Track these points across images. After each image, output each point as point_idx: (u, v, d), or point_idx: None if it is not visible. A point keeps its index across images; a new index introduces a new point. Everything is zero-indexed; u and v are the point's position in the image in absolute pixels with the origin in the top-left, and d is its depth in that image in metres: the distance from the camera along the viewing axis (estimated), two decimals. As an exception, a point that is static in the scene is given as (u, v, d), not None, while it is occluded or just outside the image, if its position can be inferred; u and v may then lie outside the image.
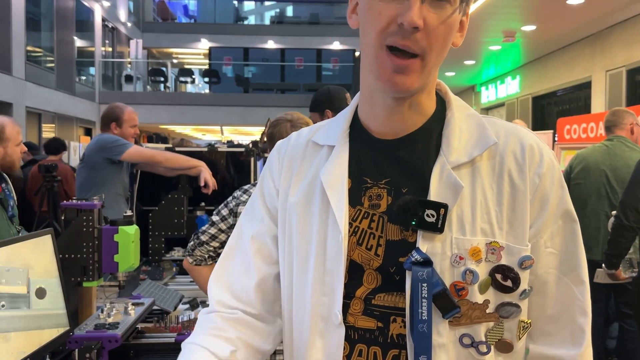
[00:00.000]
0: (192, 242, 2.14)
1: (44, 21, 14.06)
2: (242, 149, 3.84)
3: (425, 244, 0.82)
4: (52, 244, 1.52)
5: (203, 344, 0.90)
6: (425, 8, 0.79)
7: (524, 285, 0.84)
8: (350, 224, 0.87)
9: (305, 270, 0.90)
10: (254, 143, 4.29)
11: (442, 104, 0.92)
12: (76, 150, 14.08)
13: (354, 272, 0.86)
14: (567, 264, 0.87)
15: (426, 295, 0.79)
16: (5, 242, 1.35)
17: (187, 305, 2.42)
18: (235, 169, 3.81)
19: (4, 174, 2.67)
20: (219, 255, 2.10)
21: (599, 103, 8.20)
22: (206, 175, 3.16)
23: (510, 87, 11.57)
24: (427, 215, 0.81)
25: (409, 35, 0.79)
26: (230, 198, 2.15)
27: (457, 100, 0.93)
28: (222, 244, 2.12)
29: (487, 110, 13.33)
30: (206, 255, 2.13)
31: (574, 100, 9.63)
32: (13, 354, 1.28)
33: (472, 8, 7.01)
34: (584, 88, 8.87)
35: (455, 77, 12.19)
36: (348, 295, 0.86)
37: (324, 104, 2.94)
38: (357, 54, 19.17)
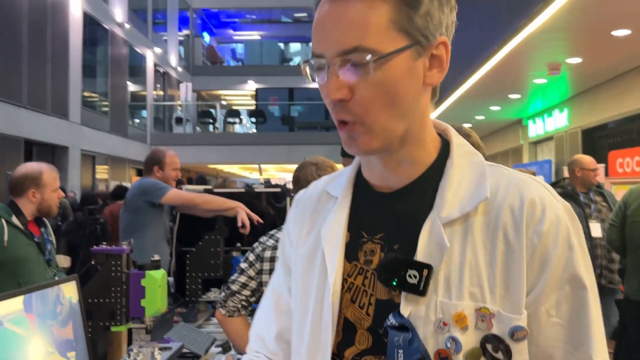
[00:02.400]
0: (223, 293, 2.13)
1: (99, 68, 14.80)
2: (279, 189, 3.86)
3: (408, 307, 0.76)
4: (77, 290, 1.54)
5: None
6: (348, 77, 0.75)
7: (519, 357, 0.75)
8: (346, 280, 0.84)
9: (303, 324, 0.87)
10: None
11: (446, 151, 0.86)
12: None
13: (347, 331, 0.82)
14: (577, 338, 0.76)
15: None
16: (32, 289, 1.38)
17: (220, 349, 2.40)
18: (274, 209, 3.83)
19: (44, 219, 2.76)
20: (251, 304, 2.10)
21: (652, 135, 7.89)
22: (243, 216, 3.20)
23: (559, 120, 11.29)
24: (410, 275, 0.75)
25: (340, 109, 0.77)
26: (257, 243, 2.15)
27: (463, 146, 0.86)
28: (253, 292, 2.11)
29: (536, 144, 13.03)
30: (239, 305, 2.10)
31: (626, 132, 9.29)
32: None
33: (515, 41, 6.94)
34: (636, 120, 8.56)
35: (501, 112, 12.01)
36: (339, 354, 0.82)
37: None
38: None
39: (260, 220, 3.26)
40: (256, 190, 3.89)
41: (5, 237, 2.48)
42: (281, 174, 22.82)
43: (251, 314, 2.07)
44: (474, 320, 0.74)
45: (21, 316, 1.26)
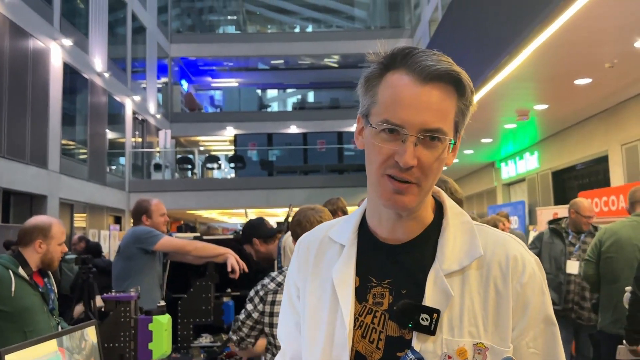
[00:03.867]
0: (235, 337, 2.34)
1: (78, 116, 14.88)
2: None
3: (419, 344, 0.94)
4: (96, 335, 1.68)
5: None
6: (419, 149, 0.93)
7: None
8: (357, 318, 1.00)
9: (313, 357, 1.03)
10: (279, 226, 4.46)
11: (440, 211, 1.05)
12: (106, 239, 14.45)
13: None
14: None
15: None
16: (54, 335, 1.51)
17: (215, 392, 2.51)
18: (261, 253, 3.96)
19: (47, 271, 2.86)
20: (257, 338, 2.33)
21: (617, 176, 8.26)
22: (233, 262, 3.35)
23: (530, 163, 11.69)
24: (422, 319, 0.93)
25: (405, 171, 0.93)
26: (260, 286, 2.32)
27: (453, 208, 1.06)
28: (260, 333, 2.32)
29: (509, 185, 13.41)
30: (250, 343, 2.34)
31: (593, 174, 9.69)
32: None
33: (485, 90, 7.32)
34: (602, 162, 8.96)
35: (475, 155, 12.40)
36: None
37: (250, 235, 3.33)
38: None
39: (246, 270, 3.41)
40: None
41: (13, 288, 2.58)
42: (260, 218, 22.81)
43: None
44: (472, 354, 0.94)
45: (55, 351, 1.40)
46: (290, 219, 3.60)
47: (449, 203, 1.06)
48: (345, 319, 0.99)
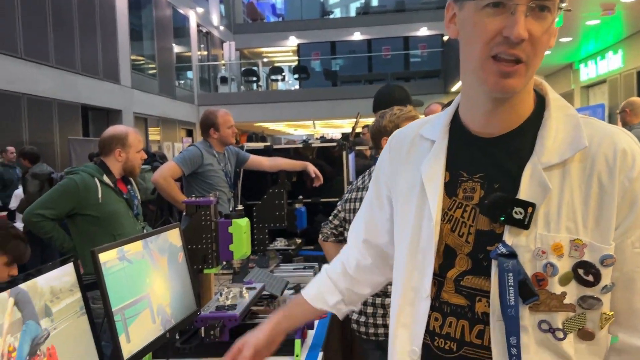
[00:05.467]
0: (323, 224, 2.54)
1: (145, 31, 15.07)
2: (335, 144, 4.02)
3: (511, 238, 0.91)
4: (180, 236, 1.76)
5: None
6: (529, 20, 0.87)
7: (605, 281, 0.90)
8: (446, 213, 0.99)
9: (402, 249, 1.05)
10: (345, 137, 4.46)
11: (541, 104, 0.98)
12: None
13: (448, 255, 0.98)
14: None
15: (512, 284, 0.89)
16: (140, 237, 1.59)
17: (292, 291, 2.63)
18: (327, 163, 4.00)
19: (130, 178, 3.01)
20: (340, 234, 2.47)
21: None
22: (313, 169, 3.61)
23: (612, 62, 10.90)
24: (516, 212, 0.90)
25: (515, 46, 0.87)
26: (351, 185, 2.49)
27: (558, 100, 0.98)
28: (341, 222, 2.47)
29: (588, 88, 12.65)
30: (329, 233, 2.50)
31: (685, 72, 8.95)
32: (161, 326, 1.53)
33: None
34: (696, 58, 8.23)
35: (551, 56, 11.68)
36: (442, 274, 0.99)
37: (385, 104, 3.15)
38: (445, 38, 18.77)
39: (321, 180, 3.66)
40: (313, 145, 4.06)
41: (99, 195, 2.76)
42: (325, 129, 22.90)
43: (339, 241, 2.46)
44: (568, 250, 0.90)
45: (141, 251, 1.50)
46: (358, 129, 3.59)
47: (552, 95, 0.99)
48: (432, 210, 0.98)
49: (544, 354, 0.91)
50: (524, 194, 0.92)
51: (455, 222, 0.98)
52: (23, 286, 1.11)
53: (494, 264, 0.92)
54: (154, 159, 7.10)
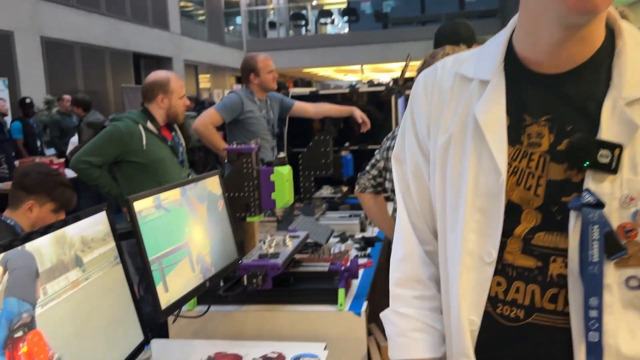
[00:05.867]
0: (360, 175, 2.43)
1: (193, -24, 14.94)
2: (382, 88, 3.88)
3: (593, 185, 0.79)
4: (220, 184, 1.72)
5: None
6: None
7: None
8: (510, 164, 0.86)
9: (456, 208, 0.90)
10: (395, 80, 4.29)
11: (610, 33, 0.84)
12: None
13: (511, 212, 0.85)
14: None
15: (597, 238, 0.78)
16: (178, 185, 1.55)
17: (338, 239, 2.59)
18: (375, 108, 3.88)
19: (174, 125, 3.00)
20: (379, 184, 2.35)
21: None
22: (360, 114, 3.53)
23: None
24: (601, 155, 0.78)
25: None
26: (385, 139, 2.36)
27: (630, 27, 0.84)
28: (380, 172, 2.35)
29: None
30: (367, 184, 2.38)
31: None
32: (201, 274, 1.51)
33: None
34: None
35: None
36: (505, 234, 0.86)
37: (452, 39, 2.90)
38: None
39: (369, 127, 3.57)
40: (360, 90, 3.93)
41: (144, 141, 2.76)
42: (375, 74, 22.43)
43: (378, 192, 2.36)
44: None
45: (179, 199, 1.46)
46: (408, 72, 3.44)
47: (624, 23, 0.85)
48: (500, 163, 0.85)
49: (631, 315, 0.81)
50: (605, 133, 0.79)
51: (521, 173, 0.85)
52: (28, 247, 0.96)
53: (572, 216, 0.80)
54: (203, 107, 7.12)
